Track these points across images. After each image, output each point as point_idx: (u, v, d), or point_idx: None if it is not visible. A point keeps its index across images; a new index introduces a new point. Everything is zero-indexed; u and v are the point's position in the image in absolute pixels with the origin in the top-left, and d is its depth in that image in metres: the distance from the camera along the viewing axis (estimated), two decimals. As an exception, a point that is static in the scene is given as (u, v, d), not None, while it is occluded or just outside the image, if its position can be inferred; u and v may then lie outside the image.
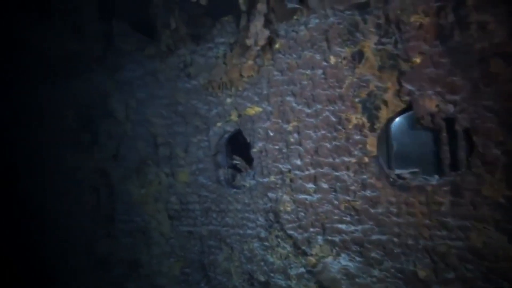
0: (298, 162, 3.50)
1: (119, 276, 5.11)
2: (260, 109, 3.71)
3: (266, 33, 3.37)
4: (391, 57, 2.94)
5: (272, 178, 3.70)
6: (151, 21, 4.49)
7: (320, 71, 3.29)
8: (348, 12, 3.13)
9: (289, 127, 3.53)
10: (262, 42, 3.38)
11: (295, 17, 3.44)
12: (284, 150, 3.60)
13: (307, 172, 3.44)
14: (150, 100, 4.60)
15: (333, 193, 3.28)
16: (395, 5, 2.92)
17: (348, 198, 3.17)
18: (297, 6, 3.46)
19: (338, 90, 3.19)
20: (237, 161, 3.95)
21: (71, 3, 4.92)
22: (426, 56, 2.80)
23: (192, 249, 4.41)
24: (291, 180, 3.57)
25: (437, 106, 2.78)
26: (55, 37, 5.21)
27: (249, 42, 3.43)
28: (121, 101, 4.90)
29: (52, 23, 5.12)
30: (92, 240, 5.37)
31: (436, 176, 2.93)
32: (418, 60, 2.82)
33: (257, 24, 3.39)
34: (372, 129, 3.05)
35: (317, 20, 3.30)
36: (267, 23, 3.51)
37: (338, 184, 3.24)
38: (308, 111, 3.38)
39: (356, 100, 3.11)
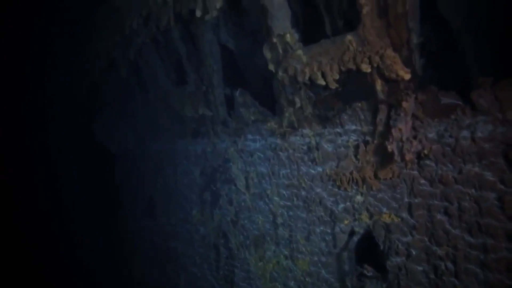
0: (452, 298, 2.79)
1: None
2: (399, 219, 3.11)
3: (417, 146, 2.75)
4: None
5: (413, 302, 3.07)
6: (275, 96, 4.30)
7: (493, 195, 2.51)
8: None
9: (440, 251, 2.84)
10: (409, 156, 2.78)
11: (452, 117, 2.73)
12: (432, 276, 2.92)
13: (465, 315, 2.71)
14: (270, 176, 4.42)
15: None
16: None
17: None
18: (456, 102, 2.74)
19: (523, 226, 2.37)
20: (368, 271, 3.43)
21: (202, 72, 5.12)
22: None
23: None
24: (440, 314, 2.89)
25: None
26: (188, 100, 5.57)
27: (390, 147, 2.87)
28: (242, 170, 4.88)
29: (187, 89, 5.48)
30: (214, 296, 5.59)
31: None
32: None
33: (402, 129, 2.80)
34: None
35: (490, 127, 2.52)
36: (414, 120, 2.89)
37: None
38: (471, 240, 2.64)
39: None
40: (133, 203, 7.83)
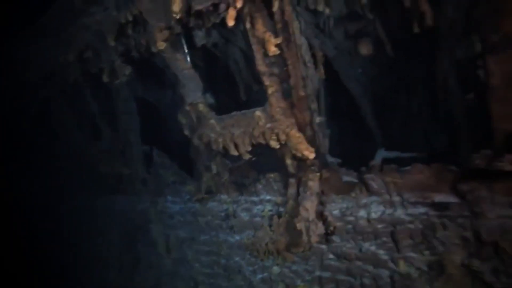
0: None
1: None
2: (313, 292, 3.17)
3: (320, 229, 2.85)
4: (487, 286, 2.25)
5: None
6: (192, 160, 4.21)
7: (386, 273, 2.67)
8: (422, 210, 2.51)
9: (350, 327, 2.93)
10: (315, 239, 2.86)
11: (352, 195, 2.89)
12: None
13: None
14: (191, 242, 4.26)
15: None
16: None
17: None
18: (354, 180, 2.91)
19: (414, 305, 2.54)
20: None
21: (118, 129, 4.86)
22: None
23: None
24: None
25: None
26: (103, 157, 5.23)
27: (299, 226, 2.93)
28: (162, 234, 4.64)
29: (102, 144, 5.15)
30: None
31: None
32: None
33: (309, 208, 2.89)
34: None
35: (381, 208, 2.71)
36: (321, 196, 3.01)
37: None
38: (374, 318, 2.76)
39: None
40: (48, 265, 7.01)
